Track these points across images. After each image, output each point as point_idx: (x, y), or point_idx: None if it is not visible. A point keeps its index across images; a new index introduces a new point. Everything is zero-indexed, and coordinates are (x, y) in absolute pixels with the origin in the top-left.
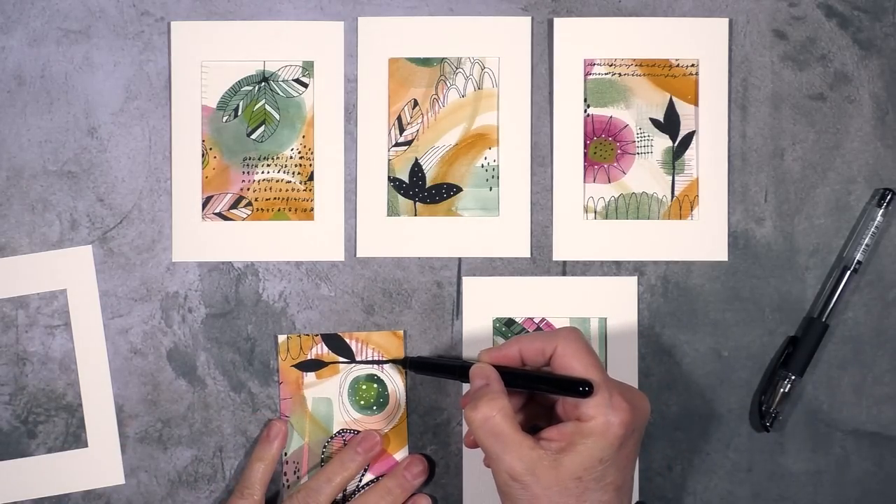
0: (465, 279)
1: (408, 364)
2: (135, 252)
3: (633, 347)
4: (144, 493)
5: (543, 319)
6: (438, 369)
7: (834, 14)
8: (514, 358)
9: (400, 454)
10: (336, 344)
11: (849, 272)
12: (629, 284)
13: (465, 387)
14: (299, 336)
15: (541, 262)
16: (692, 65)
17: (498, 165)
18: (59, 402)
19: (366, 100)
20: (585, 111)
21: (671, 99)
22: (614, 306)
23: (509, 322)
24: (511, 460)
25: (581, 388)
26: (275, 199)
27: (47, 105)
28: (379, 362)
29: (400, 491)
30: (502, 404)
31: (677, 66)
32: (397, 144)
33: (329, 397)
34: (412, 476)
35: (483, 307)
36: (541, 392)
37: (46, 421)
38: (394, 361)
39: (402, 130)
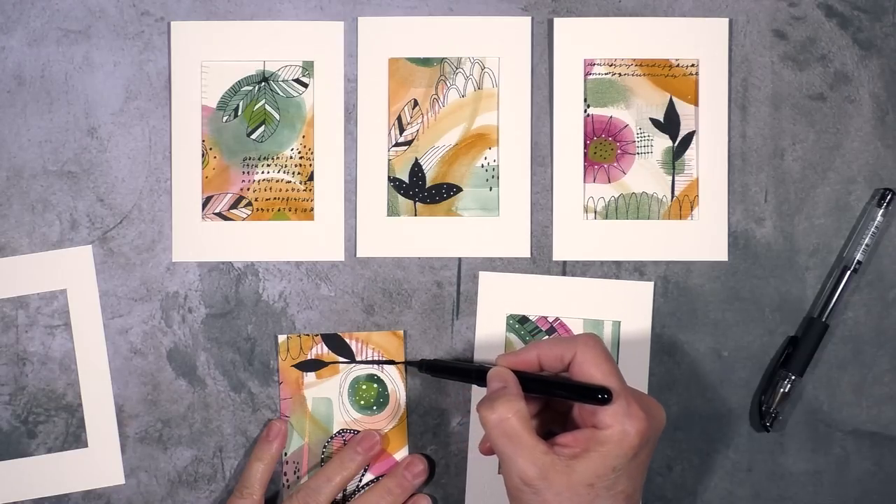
0: (480, 274)
1: (423, 367)
2: (135, 252)
3: (646, 353)
4: (144, 493)
5: (557, 319)
6: (455, 373)
7: (834, 14)
8: (532, 363)
9: (400, 454)
10: (336, 344)
11: (849, 272)
12: (644, 289)
13: (477, 390)
14: (299, 336)
15: (541, 262)
16: (692, 65)
17: (498, 165)
18: (59, 402)
19: (366, 100)
20: (585, 111)
21: (671, 99)
22: (629, 311)
23: (523, 319)
24: (524, 464)
25: (600, 396)
26: (275, 199)
27: (47, 105)
28: (386, 363)
29: (400, 491)
30: (518, 407)
31: (677, 66)
32: (397, 144)
33: (329, 397)
34: (412, 476)
35: (497, 303)
36: (559, 398)
37: (46, 421)
38: (409, 363)
39: (402, 130)
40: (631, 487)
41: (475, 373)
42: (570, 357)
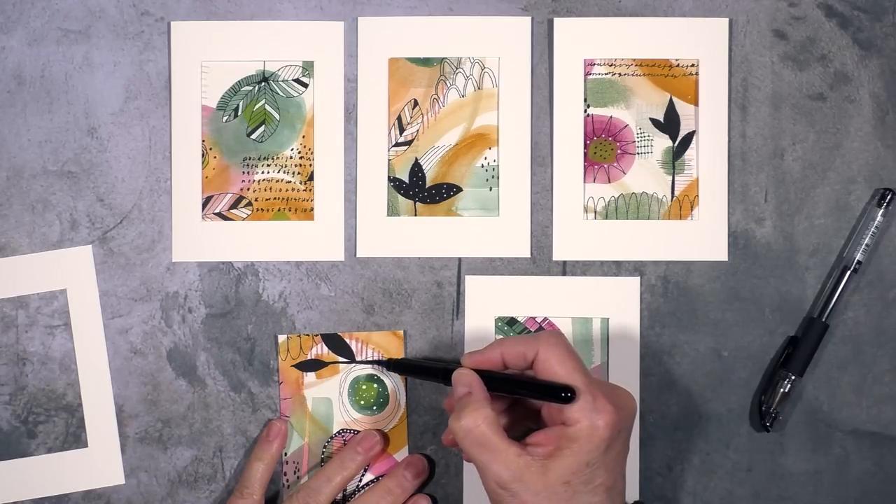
0: (467, 278)
1: (391, 366)
2: (135, 252)
3: (635, 348)
4: (144, 493)
5: (546, 319)
6: (422, 372)
7: (834, 14)
8: (497, 362)
9: (400, 454)
10: (336, 344)
11: (849, 272)
12: (632, 285)
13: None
14: (299, 336)
15: (541, 262)
16: (692, 65)
17: (498, 165)
18: (59, 402)
19: (366, 100)
20: (585, 111)
21: (671, 99)
22: (617, 307)
23: (511, 321)
24: (498, 469)
25: (563, 394)
26: (275, 199)
27: (47, 105)
28: (368, 362)
29: (400, 491)
30: (486, 413)
31: (677, 66)
32: (397, 144)
33: (329, 397)
34: (412, 476)
35: (485, 306)
36: (524, 397)
37: (46, 421)
38: (377, 363)
39: (402, 130)
40: (610, 480)
41: (441, 372)
42: (532, 355)
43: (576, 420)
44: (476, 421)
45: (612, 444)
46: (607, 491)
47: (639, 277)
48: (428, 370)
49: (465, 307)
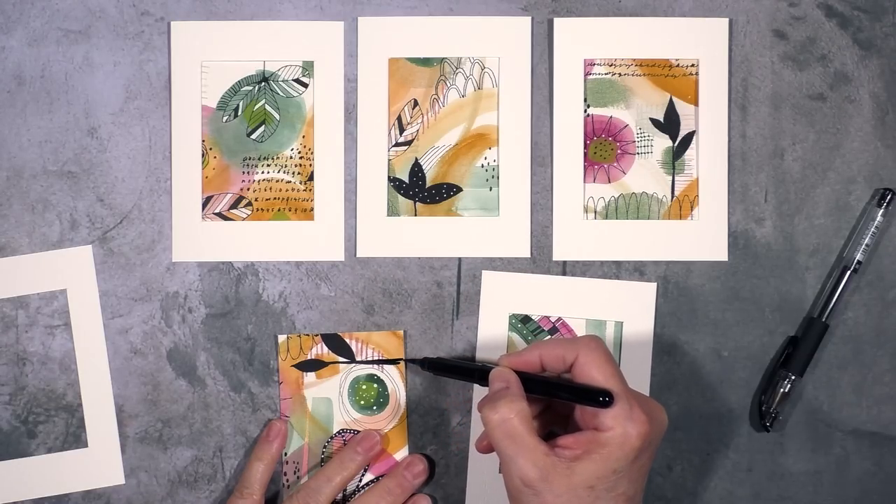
0: (483, 273)
1: (426, 365)
2: (135, 252)
3: (648, 354)
4: (144, 493)
5: (560, 319)
6: (457, 371)
7: (834, 14)
8: (535, 364)
9: (400, 454)
10: (336, 344)
11: (849, 272)
12: (647, 290)
13: (479, 390)
14: (299, 336)
15: (541, 262)
16: (692, 65)
17: (498, 165)
18: (59, 402)
19: (366, 100)
20: (585, 111)
21: (671, 99)
22: (632, 312)
23: (525, 319)
24: (524, 465)
25: (601, 399)
26: (275, 199)
27: (47, 105)
28: (387, 362)
29: (400, 491)
30: (520, 407)
31: (677, 66)
32: (397, 144)
33: (329, 397)
34: (412, 476)
35: (500, 302)
36: (560, 399)
37: (46, 421)
38: (412, 361)
39: (402, 130)
40: (632, 490)
41: (478, 372)
42: (571, 358)
43: (609, 426)
44: (510, 413)
45: (641, 455)
46: (628, 501)
47: (655, 283)
48: (464, 370)
49: (480, 302)
